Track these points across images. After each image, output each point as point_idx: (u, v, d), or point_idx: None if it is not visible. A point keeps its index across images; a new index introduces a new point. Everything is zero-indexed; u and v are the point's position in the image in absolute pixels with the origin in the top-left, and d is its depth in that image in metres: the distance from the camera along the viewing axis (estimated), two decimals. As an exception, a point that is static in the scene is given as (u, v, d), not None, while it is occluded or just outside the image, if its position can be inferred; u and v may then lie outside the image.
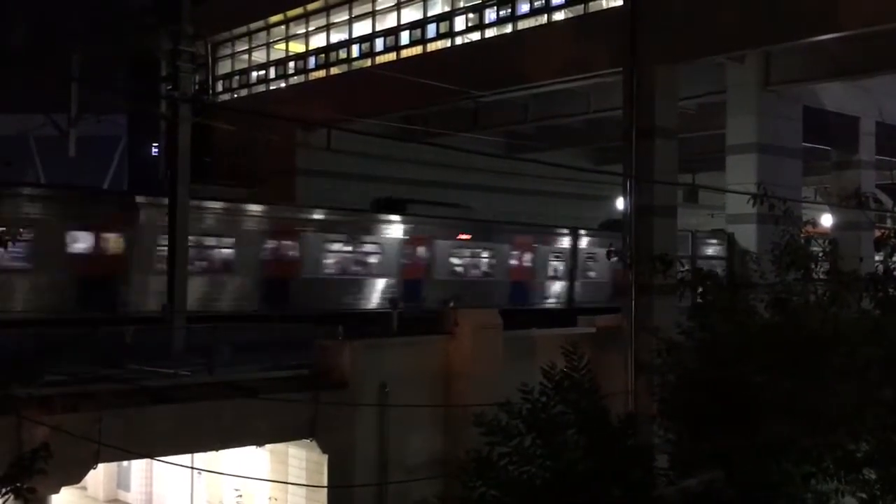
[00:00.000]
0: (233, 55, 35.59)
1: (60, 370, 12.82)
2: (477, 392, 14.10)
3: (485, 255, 27.18)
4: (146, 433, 12.44)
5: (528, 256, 28.17)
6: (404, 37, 29.15)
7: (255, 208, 22.25)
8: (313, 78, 32.54)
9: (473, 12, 27.25)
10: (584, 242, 30.02)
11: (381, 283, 24.35)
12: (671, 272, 9.29)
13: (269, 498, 14.53)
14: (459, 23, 27.70)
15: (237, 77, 35.54)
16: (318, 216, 23.71)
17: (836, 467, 7.85)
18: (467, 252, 26.69)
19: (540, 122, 30.32)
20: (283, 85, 33.74)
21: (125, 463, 17.89)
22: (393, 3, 29.73)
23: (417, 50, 28.78)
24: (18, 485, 7.66)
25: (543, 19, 25.68)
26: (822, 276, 9.54)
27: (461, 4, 27.70)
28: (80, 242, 19.16)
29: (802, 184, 28.39)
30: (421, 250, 25.46)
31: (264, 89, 34.26)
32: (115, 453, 12.14)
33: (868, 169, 28.89)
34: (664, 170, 20.59)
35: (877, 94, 27.16)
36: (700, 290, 9.07)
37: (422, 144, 29.38)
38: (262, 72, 34.61)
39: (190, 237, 18.03)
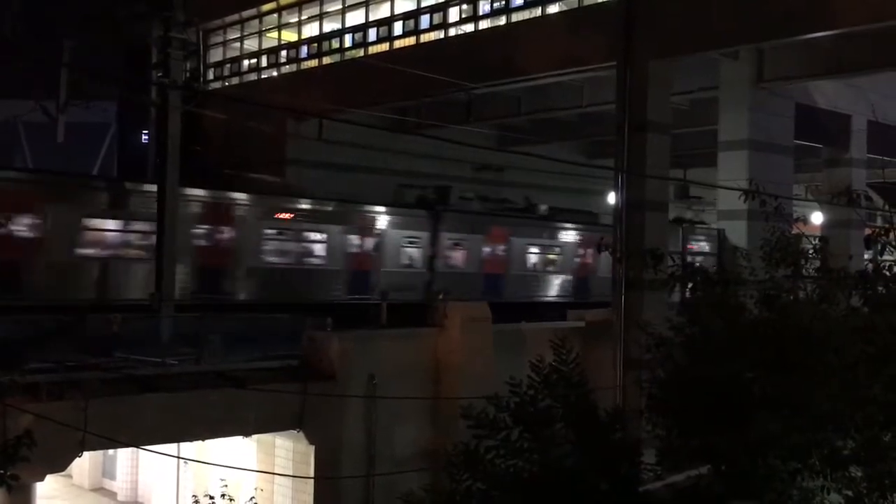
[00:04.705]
0: (224, 43, 35.40)
1: (46, 358, 12.74)
2: (466, 385, 14.10)
3: (314, 239, 22.60)
4: (132, 422, 12.39)
5: (371, 241, 23.81)
6: (397, 27, 29.03)
7: None
8: (305, 67, 32.41)
9: (467, 3, 27.17)
10: (450, 226, 25.71)
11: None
12: (661, 267, 9.27)
13: (256, 489, 14.49)
14: (453, 14, 27.61)
15: (228, 65, 35.36)
16: (62, 186, 18.95)
17: (822, 464, 7.86)
18: (290, 235, 22.02)
19: (533, 115, 30.28)
20: (274, 74, 33.59)
21: (111, 452, 17.83)
22: (386, -7, 29.63)
23: (411, 41, 28.68)
24: (1, 472, 7.59)
25: (537, 12, 25.63)
26: (811, 274, 9.54)
27: (455, -5, 27.63)
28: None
29: (794, 181, 28.49)
30: (224, 232, 20.77)
31: (256, 78, 34.11)
32: (100, 442, 12.09)
33: (859, 167, 29.01)
34: (656, 165, 20.63)
35: (869, 92, 27.23)
36: (690, 285, 9.05)
37: (415, 136, 29.21)
38: (254, 60, 34.45)
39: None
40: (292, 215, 22.03)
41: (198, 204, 19.87)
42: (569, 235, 29.27)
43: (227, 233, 20.79)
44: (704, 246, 30.17)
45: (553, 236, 28.91)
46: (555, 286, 28.51)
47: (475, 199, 27.87)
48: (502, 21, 26.45)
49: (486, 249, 26.74)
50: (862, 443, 7.86)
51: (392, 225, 24.29)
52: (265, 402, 13.34)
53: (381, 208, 24.33)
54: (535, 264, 28.24)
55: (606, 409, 8.18)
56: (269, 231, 21.54)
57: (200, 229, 19.97)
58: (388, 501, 12.76)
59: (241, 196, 21.15)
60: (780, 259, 9.17)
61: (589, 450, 7.66)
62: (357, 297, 22.51)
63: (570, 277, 29.02)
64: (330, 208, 23.19)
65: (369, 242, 23.74)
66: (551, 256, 28.81)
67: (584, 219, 30.10)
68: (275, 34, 33.76)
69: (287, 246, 21.89)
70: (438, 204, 25.68)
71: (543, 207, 29.41)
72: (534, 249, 28.06)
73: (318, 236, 22.56)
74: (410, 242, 24.70)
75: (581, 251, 29.47)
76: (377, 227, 23.97)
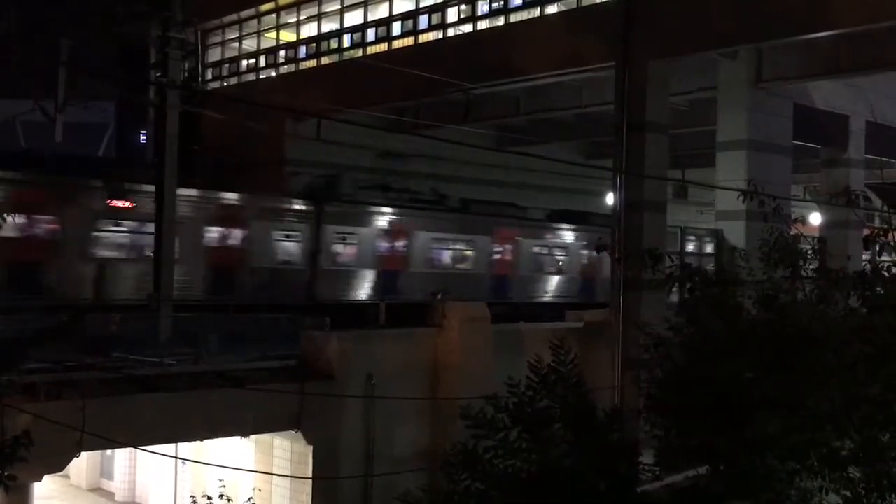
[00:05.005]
0: (223, 43, 35.40)
1: (44, 357, 12.72)
2: (464, 385, 14.07)
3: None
4: (130, 422, 12.36)
5: (238, 234, 20.84)
6: (396, 28, 29.04)
7: None
8: (304, 68, 32.40)
9: (466, 4, 27.18)
10: (339, 219, 22.81)
11: None
12: (660, 267, 9.27)
13: (254, 489, 14.47)
14: (452, 14, 27.61)
15: (227, 65, 35.36)
16: None
17: (820, 465, 7.86)
18: (130, 226, 19.03)
19: (531, 115, 30.28)
20: (273, 74, 33.59)
21: (109, 452, 17.80)
22: (385, -6, 29.63)
23: (409, 41, 28.68)
24: (-1, 472, 7.58)
25: (536, 12, 25.63)
26: (810, 274, 9.55)
27: (454, -5, 27.63)
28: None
29: (792, 181, 28.50)
30: (44, 221, 18.36)
31: (254, 78, 34.10)
32: (98, 442, 12.06)
33: (857, 167, 29.02)
34: (655, 165, 20.62)
35: (867, 93, 27.25)
36: (689, 285, 9.05)
37: (413, 136, 29.20)
38: (253, 60, 34.44)
39: None
40: (132, 204, 19.11)
41: (8, 187, 17.40)
42: (486, 229, 26.60)
43: (45, 223, 18.23)
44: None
45: (467, 230, 26.20)
46: (466, 285, 25.38)
47: (374, 189, 25.50)
48: (501, 21, 26.44)
49: (383, 244, 24.18)
50: (860, 443, 7.87)
51: (264, 216, 21.49)
52: (263, 402, 13.31)
53: (250, 197, 21.56)
54: (441, 261, 25.66)
55: (605, 409, 8.18)
56: (102, 221, 18.85)
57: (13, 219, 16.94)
58: (386, 502, 12.76)
59: (66, 181, 18.35)
60: (779, 259, 9.17)
61: (587, 450, 7.66)
62: (226, 299, 19.63)
63: (485, 275, 26.46)
64: (183, 195, 19.51)
65: (236, 235, 20.87)
66: (466, 252, 26.26)
67: (506, 211, 27.82)
68: (273, 34, 33.76)
69: (125, 238, 18.92)
70: (325, 194, 22.81)
71: (455, 198, 27.14)
72: (441, 245, 25.63)
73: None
74: (288, 236, 21.93)
75: (499, 247, 27.06)
76: (246, 218, 21.11)
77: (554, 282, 28.87)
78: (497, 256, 27.08)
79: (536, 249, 28.52)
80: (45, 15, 32.73)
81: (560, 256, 29.25)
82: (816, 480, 7.83)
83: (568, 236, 29.30)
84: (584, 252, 28.93)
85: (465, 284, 25.16)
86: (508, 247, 27.44)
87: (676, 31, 20.64)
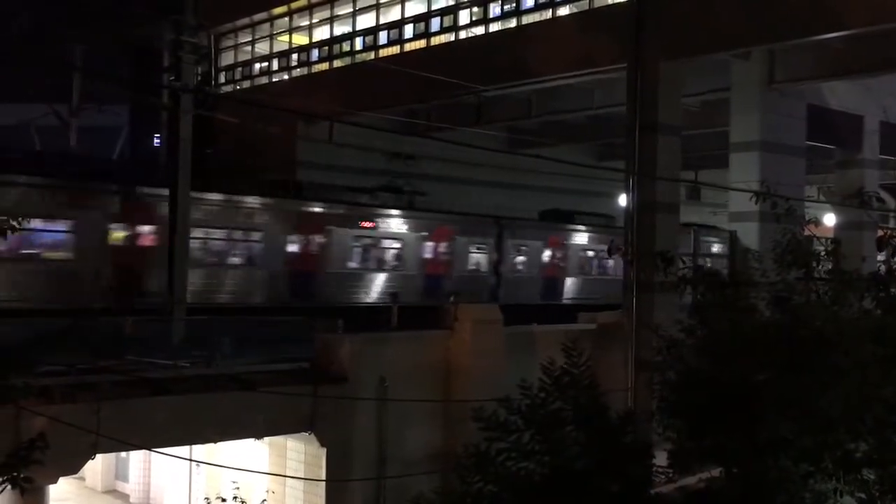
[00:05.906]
0: (236, 46, 35.55)
1: (59, 360, 12.79)
2: (477, 387, 14.07)
3: None
4: (145, 424, 12.42)
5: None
6: (408, 30, 29.09)
7: None
8: (316, 70, 32.49)
9: (478, 6, 27.20)
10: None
11: None
12: (672, 269, 9.26)
13: (267, 491, 14.52)
14: (464, 17, 27.64)
15: (240, 69, 35.50)
16: None
17: (835, 467, 7.83)
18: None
19: (543, 117, 30.26)
20: (285, 77, 33.70)
21: (124, 454, 17.90)
22: (397, -4, 29.69)
23: (421, 44, 28.73)
24: (15, 475, 7.62)
25: (548, 14, 25.63)
26: (823, 275, 9.52)
27: (466, -2, 27.68)
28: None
29: (806, 182, 28.37)
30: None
31: (267, 81, 34.22)
32: (113, 444, 12.12)
33: (872, 168, 28.86)
34: (667, 166, 20.56)
35: (881, 94, 27.11)
36: (701, 287, 9.04)
37: (425, 139, 29.19)
38: (265, 64, 34.56)
39: None
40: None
41: None
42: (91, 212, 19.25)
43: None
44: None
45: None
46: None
47: None
48: (513, 24, 26.45)
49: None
50: (874, 445, 7.84)
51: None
52: (277, 404, 13.36)
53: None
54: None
55: (618, 411, 8.17)
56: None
57: None
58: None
59: None
60: (792, 261, 9.16)
61: (600, 452, 7.65)
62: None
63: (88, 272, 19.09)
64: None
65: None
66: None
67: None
68: (286, 37, 33.88)
69: None
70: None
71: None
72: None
73: None
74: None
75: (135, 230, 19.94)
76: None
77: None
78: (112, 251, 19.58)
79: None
80: (58, 18, 32.95)
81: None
82: (830, 482, 7.81)
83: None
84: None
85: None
86: (147, 231, 19.98)
87: (688, 32, 20.61)
